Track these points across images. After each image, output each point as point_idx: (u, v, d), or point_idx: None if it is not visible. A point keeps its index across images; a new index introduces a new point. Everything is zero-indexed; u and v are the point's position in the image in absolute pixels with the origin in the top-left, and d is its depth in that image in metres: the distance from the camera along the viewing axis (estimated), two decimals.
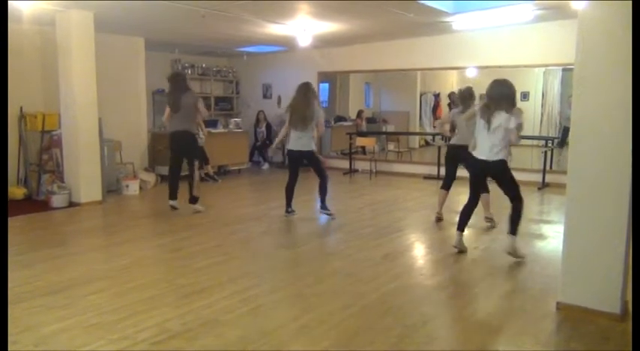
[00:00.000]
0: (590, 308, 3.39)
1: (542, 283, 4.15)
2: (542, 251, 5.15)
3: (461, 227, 4.88)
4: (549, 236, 5.61)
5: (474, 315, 3.46)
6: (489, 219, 5.92)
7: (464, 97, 5.94)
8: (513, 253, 4.62)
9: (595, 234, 3.35)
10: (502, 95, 4.52)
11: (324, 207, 6.38)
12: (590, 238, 3.38)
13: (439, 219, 6.16)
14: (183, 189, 6.73)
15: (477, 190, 4.90)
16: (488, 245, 5.20)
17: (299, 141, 6.11)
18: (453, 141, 6.02)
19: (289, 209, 6.44)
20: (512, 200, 4.66)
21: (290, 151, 6.25)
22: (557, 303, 3.53)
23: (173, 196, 6.63)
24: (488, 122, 4.51)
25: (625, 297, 3.39)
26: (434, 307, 3.65)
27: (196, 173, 6.42)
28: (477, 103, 5.54)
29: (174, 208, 6.64)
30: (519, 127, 4.52)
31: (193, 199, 6.53)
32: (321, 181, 6.31)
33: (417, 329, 3.23)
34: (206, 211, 6.73)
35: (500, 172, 4.64)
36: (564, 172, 3.65)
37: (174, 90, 6.46)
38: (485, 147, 4.56)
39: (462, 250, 4.88)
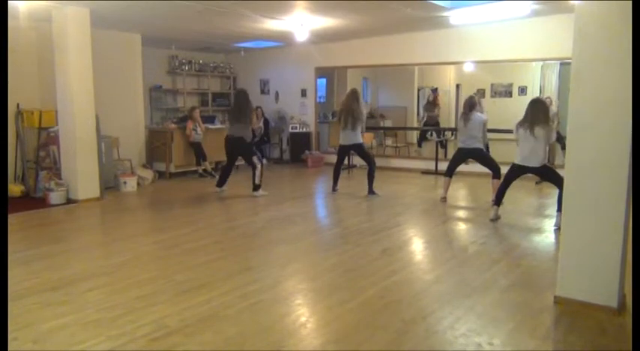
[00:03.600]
0: (587, 302, 3.40)
1: (540, 277, 4.17)
2: (540, 245, 5.16)
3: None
4: (547, 230, 5.62)
5: (472, 309, 3.47)
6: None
7: (465, 106, 6.80)
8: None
9: (592, 228, 3.36)
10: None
11: (371, 191, 7.40)
12: (587, 233, 3.39)
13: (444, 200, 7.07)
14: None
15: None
16: (486, 240, 5.21)
17: (348, 137, 7.39)
18: (461, 143, 6.85)
19: (335, 188, 7.72)
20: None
21: (342, 146, 7.54)
22: (555, 297, 3.54)
23: (220, 184, 7.68)
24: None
25: (622, 291, 3.40)
26: (433, 301, 3.65)
27: (258, 168, 7.41)
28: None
29: (218, 192, 7.64)
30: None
31: (255, 188, 7.47)
32: (369, 168, 7.45)
33: (416, 324, 3.24)
34: (202, 207, 6.74)
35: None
36: (561, 167, 3.65)
37: (236, 103, 7.62)
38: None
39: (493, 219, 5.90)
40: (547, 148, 5.55)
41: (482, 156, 6.81)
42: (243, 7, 6.83)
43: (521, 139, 5.54)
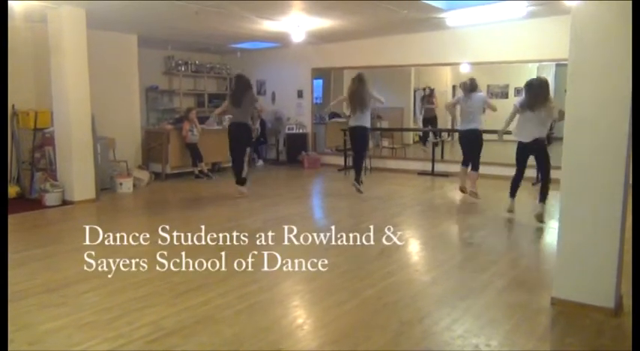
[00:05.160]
0: (584, 303, 3.41)
1: (537, 278, 4.17)
2: (537, 246, 5.18)
3: (512, 194, 6.16)
4: (544, 231, 5.63)
5: (469, 310, 3.47)
6: (463, 189, 7.20)
7: (467, 88, 6.95)
8: (540, 217, 5.73)
9: (589, 229, 3.37)
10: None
11: (356, 181, 7.48)
12: (584, 234, 3.39)
13: (463, 190, 7.23)
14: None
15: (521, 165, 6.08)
16: (483, 241, 5.22)
17: (357, 120, 7.31)
18: (461, 126, 7.06)
19: (358, 179, 7.52)
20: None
21: (350, 128, 7.49)
22: (552, 298, 3.55)
23: (240, 181, 7.48)
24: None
25: (619, 292, 3.41)
26: (430, 302, 3.65)
27: (246, 160, 7.41)
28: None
29: (241, 192, 7.48)
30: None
31: (241, 181, 7.43)
32: (356, 156, 7.58)
33: (414, 325, 3.24)
34: (199, 208, 6.73)
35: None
36: (558, 167, 3.66)
37: (237, 88, 7.46)
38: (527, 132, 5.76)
39: (511, 210, 6.14)
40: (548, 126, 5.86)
41: (475, 139, 6.92)
42: (240, 8, 6.82)
43: (522, 119, 5.76)
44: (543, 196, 5.77)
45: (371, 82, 7.62)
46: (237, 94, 7.37)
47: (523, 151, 5.90)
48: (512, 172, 6.24)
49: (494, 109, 6.91)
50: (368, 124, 7.40)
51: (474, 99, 6.88)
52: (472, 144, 6.99)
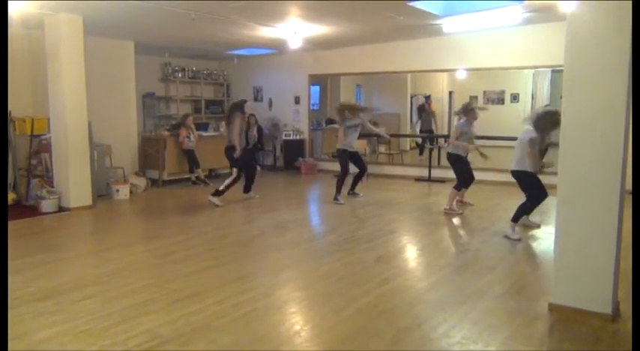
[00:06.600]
0: (582, 309, 3.40)
1: (535, 284, 4.17)
2: (534, 252, 5.17)
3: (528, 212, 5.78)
4: (540, 237, 5.63)
5: (467, 317, 3.46)
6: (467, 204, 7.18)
7: (465, 110, 6.81)
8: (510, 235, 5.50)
9: (586, 235, 3.37)
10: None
11: (352, 191, 8.03)
12: (581, 239, 3.39)
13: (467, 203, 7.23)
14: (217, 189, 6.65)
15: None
16: (480, 247, 5.21)
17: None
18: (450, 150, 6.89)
19: (350, 192, 8.01)
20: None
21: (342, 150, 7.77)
22: (550, 304, 3.54)
23: (246, 190, 7.80)
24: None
25: (616, 297, 3.41)
26: (427, 309, 3.64)
27: (231, 178, 7.38)
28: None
29: (250, 198, 7.82)
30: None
31: (216, 192, 7.37)
32: (359, 173, 7.91)
33: (411, 332, 3.23)
34: (196, 215, 6.71)
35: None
36: (554, 173, 3.66)
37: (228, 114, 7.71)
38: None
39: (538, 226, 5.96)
40: (524, 154, 5.41)
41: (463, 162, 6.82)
42: (237, 15, 6.84)
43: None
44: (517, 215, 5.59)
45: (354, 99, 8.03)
46: (226, 118, 7.79)
47: (515, 177, 5.69)
48: (508, 177, 6.20)
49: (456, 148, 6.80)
50: (340, 146, 7.72)
51: (472, 124, 6.77)
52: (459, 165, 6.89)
